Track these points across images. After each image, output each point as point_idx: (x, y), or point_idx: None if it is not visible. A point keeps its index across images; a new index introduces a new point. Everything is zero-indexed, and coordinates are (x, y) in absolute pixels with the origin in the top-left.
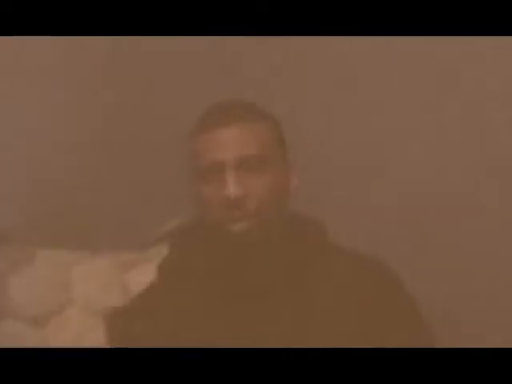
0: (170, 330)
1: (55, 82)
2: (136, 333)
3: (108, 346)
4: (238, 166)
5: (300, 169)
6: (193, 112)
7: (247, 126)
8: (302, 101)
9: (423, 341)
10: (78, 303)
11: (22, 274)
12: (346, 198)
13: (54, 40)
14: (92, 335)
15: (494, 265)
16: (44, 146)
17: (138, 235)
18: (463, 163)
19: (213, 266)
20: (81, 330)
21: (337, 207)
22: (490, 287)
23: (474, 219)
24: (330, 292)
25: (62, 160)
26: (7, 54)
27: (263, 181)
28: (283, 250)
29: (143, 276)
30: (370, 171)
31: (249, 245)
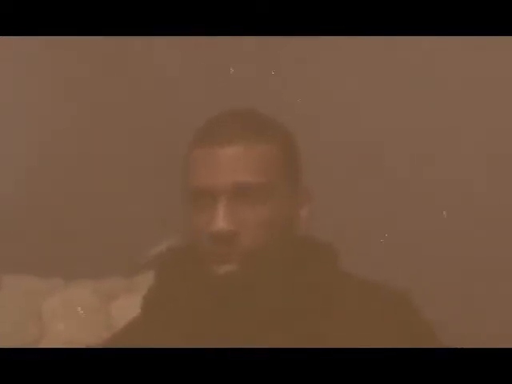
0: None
1: (54, 82)
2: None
3: None
4: (232, 194)
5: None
6: (192, 114)
7: (250, 145)
8: (302, 101)
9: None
10: (52, 339)
11: None
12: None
13: (54, 40)
14: None
15: (498, 264)
16: (22, 160)
17: (121, 261)
18: (463, 161)
19: (199, 304)
20: None
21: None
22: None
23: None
24: (342, 325)
25: (40, 174)
26: (7, 54)
27: (262, 214)
28: (281, 290)
29: (128, 308)
30: (372, 174)
31: (237, 290)
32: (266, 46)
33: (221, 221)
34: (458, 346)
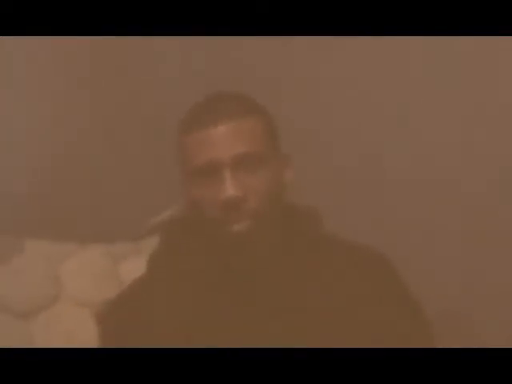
0: (163, 326)
1: (54, 82)
2: (128, 329)
3: (99, 343)
4: (235, 165)
5: (299, 163)
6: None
7: (238, 122)
8: (302, 100)
9: (418, 335)
10: (69, 297)
11: (10, 266)
12: (346, 192)
13: (54, 40)
14: (83, 331)
15: (497, 264)
16: (35, 139)
17: (130, 226)
18: (462, 161)
19: (211, 263)
20: (71, 326)
21: (336, 201)
22: (495, 286)
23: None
24: (328, 285)
25: (54, 152)
26: (7, 54)
27: (260, 178)
28: (281, 247)
29: (136, 268)
30: (369, 168)
31: (249, 244)
32: (266, 46)
33: (230, 189)
34: (458, 346)
